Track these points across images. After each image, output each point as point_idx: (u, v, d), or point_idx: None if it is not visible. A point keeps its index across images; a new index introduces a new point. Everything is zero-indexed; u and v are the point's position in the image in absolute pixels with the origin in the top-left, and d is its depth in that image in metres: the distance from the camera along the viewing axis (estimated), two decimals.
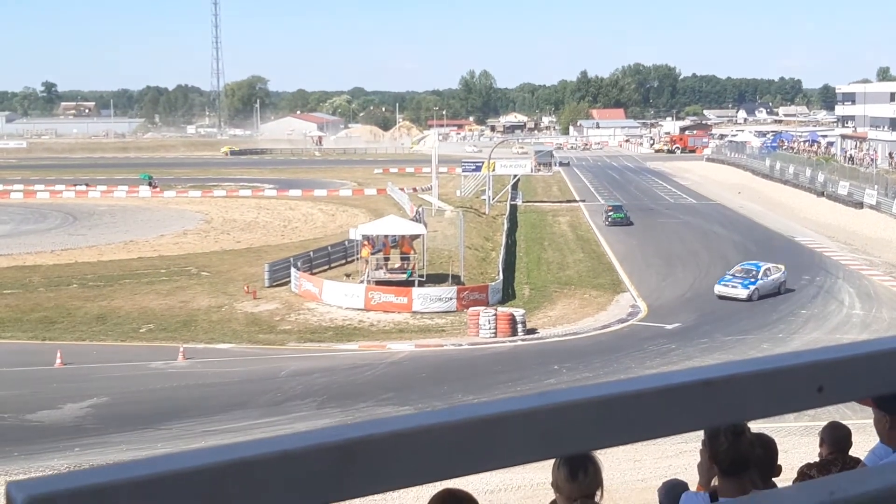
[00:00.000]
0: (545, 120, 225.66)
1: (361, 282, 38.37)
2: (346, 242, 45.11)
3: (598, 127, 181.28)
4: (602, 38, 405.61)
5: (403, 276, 38.69)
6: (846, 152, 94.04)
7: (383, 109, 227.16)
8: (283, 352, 31.57)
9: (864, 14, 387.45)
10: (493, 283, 38.80)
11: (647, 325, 34.48)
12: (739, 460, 3.76)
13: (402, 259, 39.89)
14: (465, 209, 57.81)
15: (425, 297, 36.55)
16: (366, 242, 40.05)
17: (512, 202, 68.54)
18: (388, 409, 24.24)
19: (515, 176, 72.92)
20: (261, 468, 0.94)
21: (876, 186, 62.71)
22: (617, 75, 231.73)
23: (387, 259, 40.40)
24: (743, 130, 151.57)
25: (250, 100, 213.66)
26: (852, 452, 5.87)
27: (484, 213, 62.95)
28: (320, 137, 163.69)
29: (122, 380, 27.78)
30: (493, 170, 68.77)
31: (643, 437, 1.18)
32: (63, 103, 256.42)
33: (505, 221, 58.16)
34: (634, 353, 30.22)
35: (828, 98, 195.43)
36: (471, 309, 34.48)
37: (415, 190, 75.81)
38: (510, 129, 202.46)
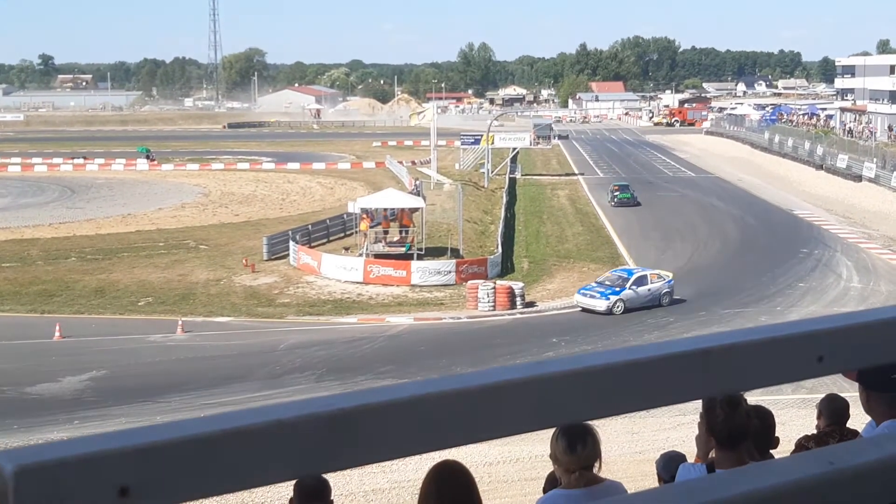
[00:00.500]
0: (544, 93, 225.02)
1: (360, 255, 38.36)
2: (345, 216, 45.07)
3: (597, 100, 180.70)
4: (601, 11, 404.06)
5: (402, 250, 38.68)
6: (845, 125, 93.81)
7: (381, 82, 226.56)
8: (281, 325, 31.60)
9: None
10: (491, 257, 38.80)
11: None
12: (736, 432, 3.76)
13: (401, 232, 39.86)
14: (464, 182, 57.70)
15: (424, 271, 36.56)
16: (364, 216, 40.01)
17: (511, 175, 68.43)
18: (386, 382, 24.27)
19: (514, 149, 72.77)
20: (255, 437, 0.94)
21: (875, 159, 62.62)
22: (616, 48, 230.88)
23: (385, 232, 40.37)
24: (742, 103, 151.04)
25: (248, 72, 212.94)
26: (850, 425, 5.88)
27: (483, 187, 62.85)
28: (318, 110, 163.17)
29: (120, 353, 27.83)
30: (492, 143, 68.61)
31: (642, 407, 1.17)
32: (60, 76, 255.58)
33: (504, 195, 58.08)
34: (633, 326, 30.28)
35: (827, 71, 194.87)
36: (469, 282, 34.50)
37: (413, 163, 75.63)
38: (509, 102, 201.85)
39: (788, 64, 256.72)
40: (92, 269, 38.77)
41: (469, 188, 57.37)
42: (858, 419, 5.31)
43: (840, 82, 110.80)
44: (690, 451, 4.86)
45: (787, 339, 1.22)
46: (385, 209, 41.12)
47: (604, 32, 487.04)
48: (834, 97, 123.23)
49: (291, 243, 40.16)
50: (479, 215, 50.97)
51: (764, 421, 4.58)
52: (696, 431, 4.16)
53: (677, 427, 18.83)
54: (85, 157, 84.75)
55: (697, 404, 3.45)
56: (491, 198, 58.40)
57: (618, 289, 32.06)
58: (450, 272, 36.55)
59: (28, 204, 59.68)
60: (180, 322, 30.57)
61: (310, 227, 44.31)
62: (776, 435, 4.87)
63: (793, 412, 18.04)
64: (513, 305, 33.24)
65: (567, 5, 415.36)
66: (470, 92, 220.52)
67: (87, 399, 23.77)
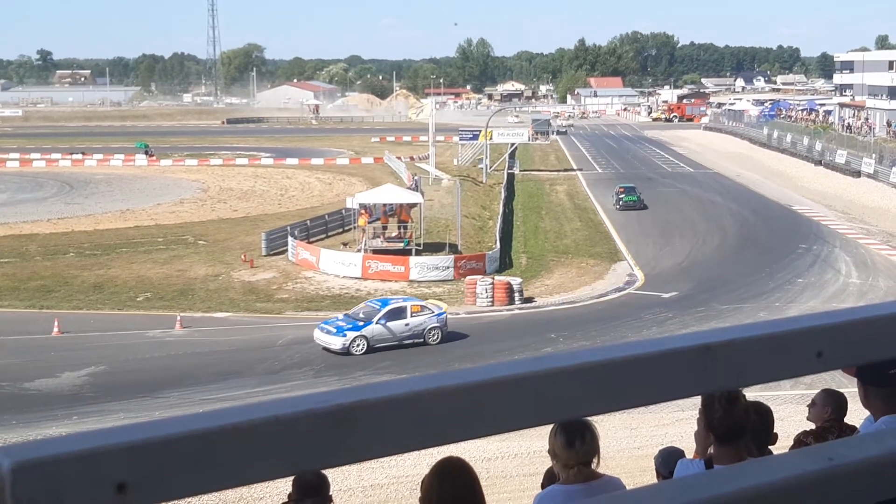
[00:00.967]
0: (543, 88, 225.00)
1: (359, 250, 38.34)
2: (343, 211, 45.06)
3: (595, 95, 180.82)
4: (600, 6, 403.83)
5: (400, 245, 38.67)
6: (844, 121, 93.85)
7: (380, 78, 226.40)
8: (280, 320, 31.58)
9: None
10: (490, 252, 38.79)
11: (644, 293, 34.52)
12: (735, 428, 3.76)
13: (400, 228, 39.86)
14: (463, 178, 57.67)
15: (422, 266, 36.56)
16: (363, 211, 40.00)
17: (509, 171, 68.42)
18: (384, 378, 24.24)
19: (513, 144, 72.76)
20: (253, 433, 0.93)
21: (873, 155, 62.67)
22: (615, 44, 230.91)
23: (384, 228, 40.37)
24: (741, 99, 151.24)
25: (247, 68, 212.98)
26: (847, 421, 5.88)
27: (481, 182, 62.83)
28: (317, 106, 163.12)
29: (119, 348, 27.82)
30: (491, 138, 68.59)
31: (641, 403, 1.17)
32: (59, 71, 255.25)
33: (502, 190, 58.06)
34: (631, 322, 30.27)
35: (826, 66, 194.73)
36: (468, 278, 34.49)
37: (412, 159, 75.62)
38: (507, 97, 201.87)
39: (787, 59, 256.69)
40: (90, 264, 38.74)
41: (467, 184, 57.35)
42: (855, 415, 5.32)
43: (839, 78, 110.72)
44: (689, 447, 4.87)
45: (786, 335, 1.22)
46: (384, 205, 41.10)
47: (602, 28, 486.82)
48: (832, 93, 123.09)
49: (290, 239, 40.14)
50: (477, 211, 50.95)
51: (762, 417, 4.58)
52: (695, 427, 4.16)
53: (676, 423, 18.85)
54: (83, 153, 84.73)
55: (696, 400, 3.45)
56: (489, 193, 58.38)
57: (361, 323, 27.42)
58: (448, 268, 36.55)
59: (26, 199, 59.63)
60: (179, 317, 30.55)
61: (308, 222, 44.30)
62: (775, 431, 4.87)
63: (791, 408, 18.04)
64: (511, 301, 33.23)
65: (565, 1, 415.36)
66: (468, 87, 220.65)
67: (86, 394, 23.78)
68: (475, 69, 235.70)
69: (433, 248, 39.54)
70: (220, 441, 0.92)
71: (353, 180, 64.28)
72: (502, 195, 55.98)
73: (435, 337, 28.08)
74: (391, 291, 34.93)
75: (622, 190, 53.86)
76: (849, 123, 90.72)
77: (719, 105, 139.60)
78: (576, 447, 4.11)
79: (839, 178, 62.40)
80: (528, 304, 33.56)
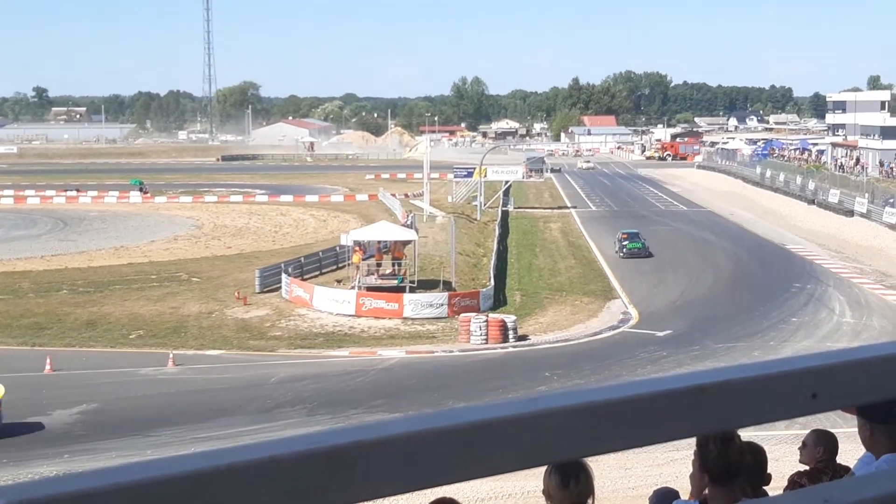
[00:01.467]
0: (537, 126, 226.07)
1: (352, 287, 38.30)
2: (338, 248, 45.09)
3: (589, 134, 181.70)
4: (594, 46, 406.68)
5: (394, 282, 38.65)
6: (837, 160, 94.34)
7: (375, 115, 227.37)
8: (273, 358, 31.47)
9: (855, 23, 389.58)
10: (484, 290, 38.77)
11: (639, 332, 34.47)
12: (729, 468, 3.75)
13: (394, 265, 39.85)
14: (457, 215, 57.80)
15: (416, 303, 36.51)
16: (357, 248, 40.00)
17: (503, 208, 68.59)
18: (378, 416, 24.18)
19: (507, 182, 73.04)
20: (248, 474, 0.93)
21: (866, 194, 62.96)
22: (608, 82, 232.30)
23: (378, 265, 40.37)
24: (734, 138, 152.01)
25: (242, 105, 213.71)
26: (842, 461, 5.86)
27: (475, 219, 62.95)
28: (312, 143, 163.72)
29: (111, 386, 27.68)
30: (485, 176, 68.83)
31: (636, 444, 1.16)
32: (54, 108, 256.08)
33: (496, 227, 58.15)
34: (626, 361, 30.21)
35: (818, 106, 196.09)
36: (462, 315, 34.44)
37: (406, 196, 75.81)
38: (502, 135, 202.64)
39: (780, 99, 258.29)
40: (83, 301, 38.64)
41: (462, 221, 57.46)
42: (850, 455, 5.30)
43: (831, 118, 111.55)
44: (684, 487, 4.84)
45: (780, 377, 1.22)
46: (378, 242, 41.13)
47: (596, 67, 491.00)
48: (825, 132, 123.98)
49: (284, 276, 40.09)
50: (471, 248, 50.99)
51: (757, 457, 4.57)
52: (690, 469, 4.15)
53: (671, 462, 18.76)
54: (78, 190, 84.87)
55: (691, 440, 3.45)
56: (483, 230, 58.46)
57: None
58: (442, 305, 36.51)
59: (20, 236, 59.59)
60: (171, 355, 30.41)
61: (302, 259, 44.28)
62: (769, 471, 4.85)
63: (786, 448, 17.95)
64: (505, 339, 33.17)
65: (560, 40, 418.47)
66: (463, 125, 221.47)
67: (78, 433, 23.61)
68: (470, 107, 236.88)
69: (427, 285, 39.51)
70: (216, 482, 0.92)
71: (348, 217, 64.38)
72: (496, 232, 56.06)
73: None
74: (384, 329, 34.88)
75: (625, 236, 49.65)
76: (841, 163, 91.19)
77: (712, 144, 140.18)
78: (570, 487, 4.08)
79: (832, 218, 62.65)
80: (523, 342, 33.49)
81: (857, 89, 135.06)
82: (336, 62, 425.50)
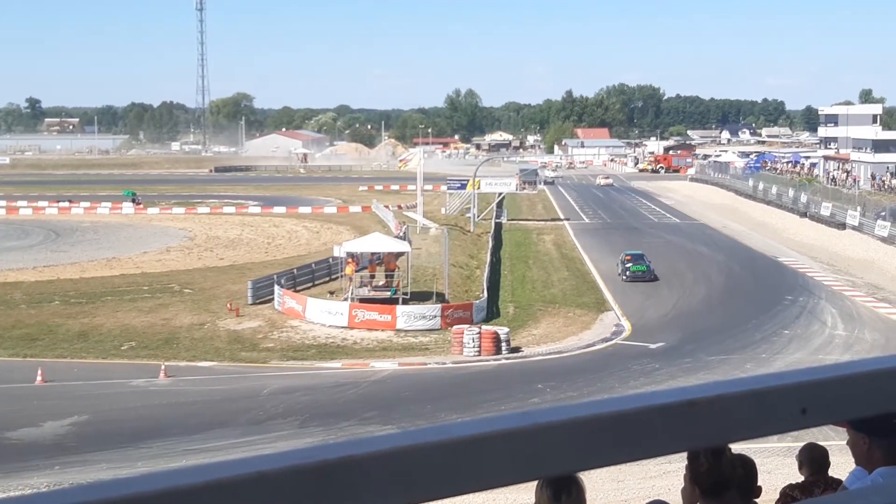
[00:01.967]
0: (530, 139, 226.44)
1: (345, 299, 38.26)
2: (331, 260, 45.02)
3: (582, 146, 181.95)
4: (587, 59, 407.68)
5: (387, 294, 38.61)
6: (829, 173, 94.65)
7: (369, 127, 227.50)
8: (265, 370, 31.40)
9: (847, 37, 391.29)
10: (477, 302, 38.76)
11: (632, 344, 34.47)
12: (720, 481, 3.74)
13: (387, 277, 39.82)
14: (450, 227, 57.80)
15: (409, 315, 36.48)
16: (350, 260, 39.97)
17: (497, 220, 68.64)
18: (370, 429, 24.14)
19: (500, 194, 73.13)
20: (235, 490, 0.93)
21: (858, 208, 63.13)
22: (602, 95, 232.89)
23: (371, 276, 40.32)
24: (726, 151, 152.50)
25: (235, 117, 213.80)
26: (833, 474, 5.87)
27: (469, 231, 62.98)
28: (305, 155, 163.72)
29: (103, 397, 27.59)
30: (478, 188, 68.90)
31: (627, 459, 1.16)
32: (47, 119, 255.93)
33: (490, 239, 58.18)
34: (619, 373, 30.20)
35: (811, 119, 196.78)
36: (455, 327, 34.41)
37: (400, 207, 75.82)
38: (495, 147, 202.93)
39: (772, 112, 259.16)
40: (75, 312, 38.54)
41: (455, 232, 57.47)
42: (842, 468, 5.31)
43: (823, 131, 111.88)
44: (676, 500, 4.84)
45: (771, 392, 1.22)
46: (371, 253, 41.10)
47: (589, 80, 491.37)
48: (817, 145, 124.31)
49: (276, 287, 40.03)
50: (464, 260, 50.99)
51: (748, 470, 4.57)
52: (682, 483, 4.14)
53: (663, 475, 18.73)
54: (70, 201, 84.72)
55: (683, 453, 3.45)
56: (477, 242, 58.48)
57: None
58: (435, 317, 36.48)
59: (12, 247, 59.40)
60: (163, 366, 30.34)
61: (295, 270, 44.23)
62: (759, 484, 4.85)
63: (778, 461, 17.98)
64: (498, 351, 33.14)
65: (553, 53, 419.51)
66: (456, 137, 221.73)
67: (69, 444, 23.52)
68: (463, 119, 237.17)
69: (420, 296, 39.49)
70: (203, 497, 0.92)
71: (341, 229, 64.35)
72: (490, 244, 56.08)
73: None
74: (377, 341, 34.83)
75: (629, 258, 46.35)
76: (833, 176, 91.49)
77: (705, 157, 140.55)
78: (562, 501, 4.08)
79: (824, 231, 62.79)
80: (515, 354, 33.46)
81: (849, 103, 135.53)
82: (330, 74, 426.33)
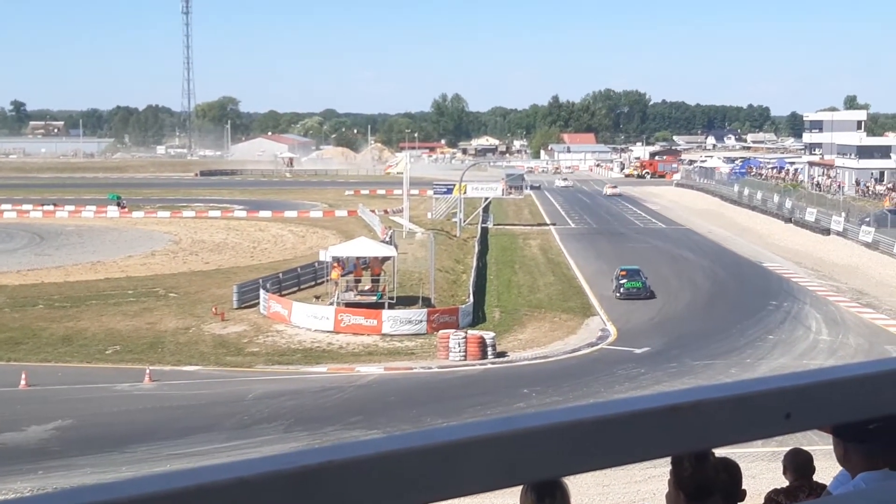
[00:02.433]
0: (516, 144, 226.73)
1: (331, 304, 38.23)
2: (316, 264, 44.96)
3: (569, 151, 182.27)
4: (573, 64, 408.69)
5: (373, 299, 38.58)
6: (813, 179, 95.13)
7: (355, 131, 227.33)
8: (250, 374, 31.34)
9: (832, 43, 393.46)
10: (463, 306, 38.76)
11: (617, 349, 34.53)
12: (704, 486, 3.75)
13: (373, 281, 39.79)
14: (436, 231, 57.80)
15: (395, 320, 36.46)
16: (336, 264, 39.93)
17: (483, 225, 68.70)
18: (355, 433, 24.11)
19: (486, 199, 73.21)
20: (216, 496, 0.92)
21: (843, 213, 63.44)
22: (588, 101, 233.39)
23: (357, 281, 40.30)
24: (712, 156, 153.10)
25: (221, 121, 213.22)
26: (817, 478, 5.88)
27: (455, 236, 63.00)
28: (291, 159, 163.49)
29: (87, 402, 27.48)
30: (465, 192, 68.95)
31: (611, 464, 1.16)
32: (32, 122, 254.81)
33: (476, 244, 58.23)
34: (604, 378, 30.24)
35: (796, 125, 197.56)
36: (441, 332, 34.41)
37: (386, 212, 75.80)
38: (482, 152, 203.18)
39: (757, 118, 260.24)
40: (59, 316, 38.38)
41: (441, 237, 57.48)
42: (827, 472, 5.32)
43: (808, 137, 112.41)
44: None
45: (754, 396, 1.22)
46: (357, 258, 41.08)
47: (576, 85, 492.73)
48: (802, 151, 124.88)
49: (262, 291, 39.96)
50: (450, 264, 50.99)
51: (732, 474, 4.57)
52: (667, 488, 4.15)
53: (648, 480, 18.77)
54: (55, 204, 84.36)
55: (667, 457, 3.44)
56: (463, 247, 58.50)
57: None
58: (421, 321, 36.48)
59: None
60: (148, 371, 30.25)
61: (280, 275, 44.17)
62: (743, 488, 4.86)
63: (762, 465, 18.03)
64: (484, 355, 33.15)
65: (539, 58, 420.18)
66: (443, 142, 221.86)
67: (53, 448, 23.42)
68: (450, 124, 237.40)
69: (406, 301, 39.48)
70: (184, 502, 0.92)
71: (327, 233, 64.29)
72: (476, 249, 56.11)
73: None
74: (363, 345, 34.79)
75: (624, 273, 43.72)
76: (818, 182, 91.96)
77: (690, 162, 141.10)
78: None
79: (809, 236, 63.06)
80: (501, 359, 33.48)
81: (833, 109, 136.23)
82: (316, 78, 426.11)
